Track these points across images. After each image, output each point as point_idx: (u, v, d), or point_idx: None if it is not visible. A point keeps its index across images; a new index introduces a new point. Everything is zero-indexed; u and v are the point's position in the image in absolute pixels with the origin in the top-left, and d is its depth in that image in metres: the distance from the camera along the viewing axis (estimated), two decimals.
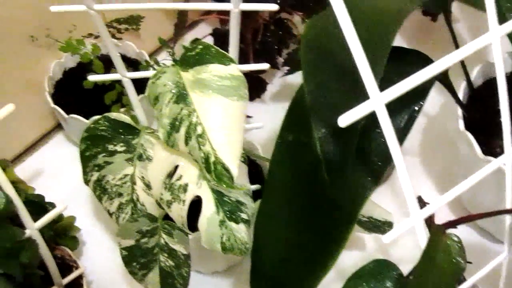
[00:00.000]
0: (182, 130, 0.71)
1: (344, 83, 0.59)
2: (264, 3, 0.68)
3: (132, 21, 1.14)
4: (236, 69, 0.71)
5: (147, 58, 1.14)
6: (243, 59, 0.89)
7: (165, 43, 1.07)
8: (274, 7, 0.68)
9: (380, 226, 0.88)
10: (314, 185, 0.68)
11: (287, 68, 1.11)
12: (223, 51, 0.71)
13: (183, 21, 1.16)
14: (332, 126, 0.58)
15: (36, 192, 0.99)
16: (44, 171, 1.18)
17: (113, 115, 0.81)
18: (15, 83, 1.10)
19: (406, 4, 0.65)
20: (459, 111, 0.95)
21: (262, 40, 1.07)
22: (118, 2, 0.82)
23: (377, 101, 0.47)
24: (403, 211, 1.01)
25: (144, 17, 1.14)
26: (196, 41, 0.77)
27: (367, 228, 0.88)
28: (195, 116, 0.71)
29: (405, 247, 0.97)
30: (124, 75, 0.77)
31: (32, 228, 0.77)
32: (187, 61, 0.73)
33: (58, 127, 1.24)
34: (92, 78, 0.80)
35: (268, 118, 0.91)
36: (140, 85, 0.82)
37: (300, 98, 0.69)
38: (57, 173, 1.17)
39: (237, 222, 0.76)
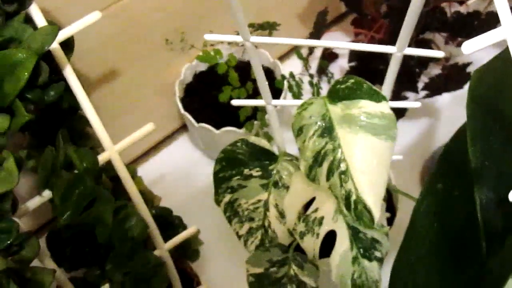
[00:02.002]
0: (325, 165, 0.69)
1: None
2: (430, 50, 0.64)
3: (267, 27, 1.10)
4: (388, 108, 0.67)
5: (281, 69, 1.12)
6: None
7: (303, 57, 1.04)
8: (440, 54, 0.64)
9: None
10: (461, 242, 0.64)
11: (426, 92, 1.06)
12: (375, 88, 0.68)
13: (320, 31, 1.13)
14: (497, 193, 0.55)
15: (158, 194, 0.98)
16: (167, 173, 1.18)
17: (252, 139, 0.79)
18: (148, 84, 1.10)
19: None
20: None
21: (403, 62, 1.02)
22: None
23: None
24: None
25: (280, 24, 1.11)
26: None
27: None
28: (339, 152, 0.68)
29: None
30: (269, 103, 0.75)
31: (163, 249, 0.76)
32: (336, 94, 0.70)
33: (183, 127, 1.24)
34: (236, 102, 0.78)
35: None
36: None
37: (456, 148, 0.66)
38: (180, 177, 1.17)
39: (370, 260, 0.74)
